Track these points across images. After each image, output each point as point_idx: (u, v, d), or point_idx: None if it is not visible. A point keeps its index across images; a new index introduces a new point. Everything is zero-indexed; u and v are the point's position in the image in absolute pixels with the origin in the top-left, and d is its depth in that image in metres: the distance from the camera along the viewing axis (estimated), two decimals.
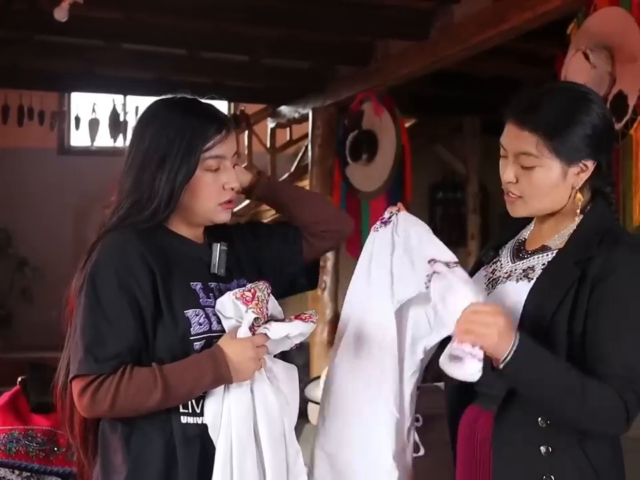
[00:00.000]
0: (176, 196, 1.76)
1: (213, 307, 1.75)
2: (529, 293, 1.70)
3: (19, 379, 2.30)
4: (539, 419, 1.66)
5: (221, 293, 1.78)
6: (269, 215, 7.36)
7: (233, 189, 1.81)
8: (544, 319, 1.66)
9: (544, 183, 1.71)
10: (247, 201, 7.57)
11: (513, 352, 1.57)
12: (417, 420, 2.05)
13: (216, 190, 1.80)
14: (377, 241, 1.93)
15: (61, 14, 3.65)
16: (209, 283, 1.79)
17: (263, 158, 7.71)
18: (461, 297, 1.67)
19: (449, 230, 8.14)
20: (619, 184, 3.40)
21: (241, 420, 1.69)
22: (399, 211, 1.93)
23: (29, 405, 2.22)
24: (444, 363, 1.62)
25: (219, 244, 1.83)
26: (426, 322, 1.88)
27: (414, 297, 1.86)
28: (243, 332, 1.69)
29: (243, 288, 1.73)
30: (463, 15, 4.46)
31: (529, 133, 1.69)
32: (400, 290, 1.86)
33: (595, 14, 3.50)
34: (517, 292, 1.73)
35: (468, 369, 1.59)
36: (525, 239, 1.86)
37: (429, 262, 1.79)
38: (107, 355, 1.67)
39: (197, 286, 1.77)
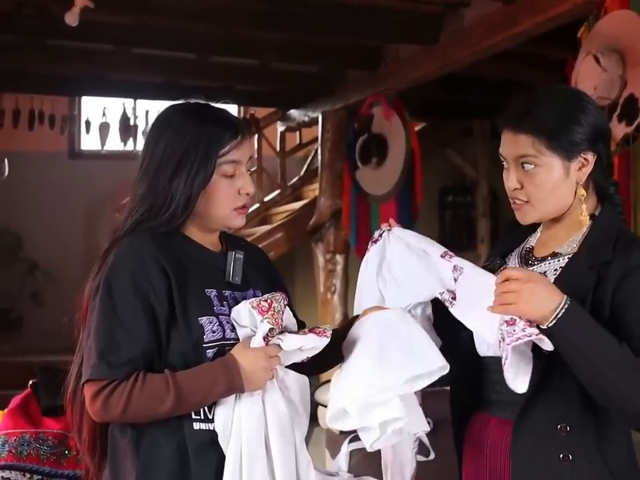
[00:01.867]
0: (193, 201, 1.76)
1: (227, 314, 1.75)
2: None
3: (30, 382, 2.30)
4: (559, 425, 1.65)
5: (236, 301, 1.78)
6: (277, 218, 7.37)
7: (248, 194, 1.81)
8: None
9: (548, 182, 1.71)
10: (257, 205, 7.59)
11: (564, 309, 1.56)
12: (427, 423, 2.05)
13: (232, 195, 1.80)
14: (368, 257, 1.93)
15: (71, 18, 3.67)
16: (224, 291, 1.79)
17: (273, 161, 7.72)
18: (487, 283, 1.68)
19: (458, 233, 8.14)
20: (630, 187, 3.40)
21: (251, 430, 1.68)
22: (390, 227, 1.91)
23: (40, 408, 2.22)
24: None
25: (234, 252, 1.83)
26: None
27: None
28: (257, 342, 1.68)
29: (260, 297, 1.73)
30: (473, 18, 4.46)
31: (525, 136, 1.70)
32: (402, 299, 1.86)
33: (606, 17, 3.49)
34: None
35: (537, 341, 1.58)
36: (533, 246, 1.85)
37: (443, 256, 1.79)
38: (120, 360, 1.66)
39: (212, 293, 1.76)
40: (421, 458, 2.16)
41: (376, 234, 1.93)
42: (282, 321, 1.71)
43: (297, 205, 7.35)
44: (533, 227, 1.87)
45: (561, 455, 1.64)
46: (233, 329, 1.74)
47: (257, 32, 5.13)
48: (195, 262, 1.79)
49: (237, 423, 1.69)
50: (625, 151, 3.36)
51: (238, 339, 1.73)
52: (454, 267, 1.77)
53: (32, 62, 5.55)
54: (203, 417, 1.71)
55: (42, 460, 2.13)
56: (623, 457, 1.69)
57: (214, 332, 1.71)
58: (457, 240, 8.13)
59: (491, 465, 1.73)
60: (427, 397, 2.11)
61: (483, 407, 1.80)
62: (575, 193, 1.74)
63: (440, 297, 1.78)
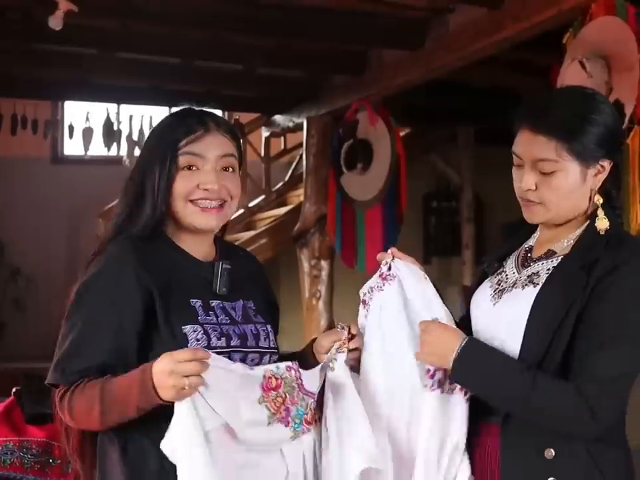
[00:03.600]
0: (160, 199, 1.75)
1: (214, 323, 1.74)
2: (535, 298, 1.69)
3: (14, 389, 2.27)
4: (544, 450, 1.65)
5: (224, 311, 1.77)
6: (262, 224, 7.35)
7: (207, 189, 1.77)
8: (550, 324, 1.65)
9: (565, 187, 1.71)
10: (241, 210, 7.56)
11: (456, 354, 1.66)
12: None
13: (189, 188, 1.77)
14: (384, 300, 1.78)
15: (55, 22, 3.64)
16: (210, 301, 1.77)
17: (257, 167, 7.70)
18: None
19: (443, 239, 8.14)
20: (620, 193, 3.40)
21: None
22: (393, 258, 1.81)
23: (24, 416, 2.19)
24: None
25: (221, 262, 1.81)
26: None
27: None
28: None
29: (271, 370, 1.65)
30: (458, 24, 4.46)
31: (546, 138, 1.69)
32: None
33: (591, 23, 3.50)
34: (523, 298, 1.72)
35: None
36: (532, 246, 1.85)
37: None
38: (74, 368, 1.67)
39: (197, 303, 1.75)
40: None
41: (384, 268, 1.80)
42: (287, 403, 1.65)
43: (282, 210, 7.33)
44: (532, 230, 1.87)
45: (545, 452, 1.65)
46: (219, 338, 1.72)
47: (242, 37, 5.11)
48: (180, 271, 1.78)
49: None
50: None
51: (224, 347, 1.72)
52: None
53: (15, 66, 5.51)
54: None
55: (25, 469, 2.11)
56: (614, 454, 1.69)
57: (198, 340, 1.70)
58: (441, 245, 8.14)
59: (492, 468, 1.73)
60: None
61: (486, 414, 1.77)
62: (590, 200, 1.73)
63: None
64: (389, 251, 1.83)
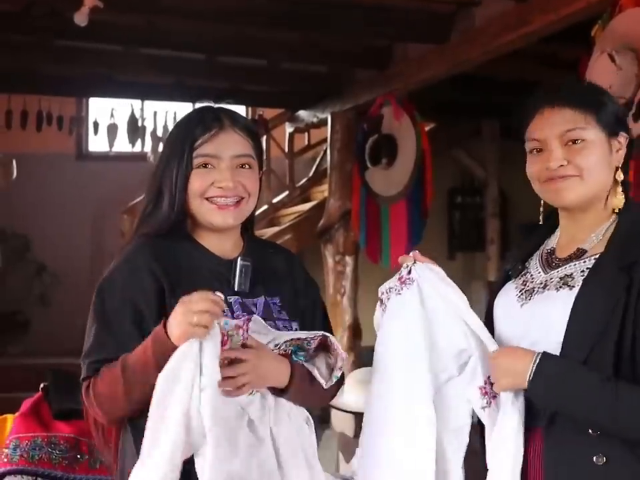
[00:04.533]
0: (178, 198, 1.76)
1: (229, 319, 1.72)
2: (575, 301, 1.65)
3: (41, 385, 2.28)
4: (595, 457, 1.61)
5: (242, 307, 1.76)
6: (286, 220, 7.34)
7: (222, 187, 1.76)
8: (594, 328, 1.62)
9: (595, 155, 1.71)
10: (265, 206, 7.56)
11: (532, 375, 1.61)
12: None
13: (204, 186, 1.77)
14: (403, 305, 1.74)
15: (80, 18, 3.65)
16: (228, 297, 1.76)
17: (282, 163, 7.70)
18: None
19: (467, 234, 8.10)
20: None
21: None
22: (414, 262, 1.76)
23: (52, 412, 2.20)
24: None
25: (239, 259, 1.80)
26: None
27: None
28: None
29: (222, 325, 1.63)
30: (485, 17, 4.42)
31: (572, 109, 1.71)
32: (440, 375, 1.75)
33: (621, 15, 3.46)
34: (559, 300, 1.68)
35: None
36: (554, 247, 1.82)
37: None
38: (101, 362, 1.69)
39: None
40: None
41: (404, 272, 1.75)
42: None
43: (306, 206, 7.32)
44: (551, 229, 1.84)
45: (594, 458, 1.61)
46: None
47: (266, 32, 5.10)
48: (197, 268, 1.78)
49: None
50: None
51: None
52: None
53: (40, 63, 5.54)
54: None
55: (54, 464, 2.11)
56: None
57: None
58: (466, 240, 8.10)
59: (522, 472, 1.70)
60: None
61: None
62: (615, 176, 1.74)
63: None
64: (411, 253, 1.78)
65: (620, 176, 1.73)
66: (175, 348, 1.57)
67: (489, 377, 1.70)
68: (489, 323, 1.80)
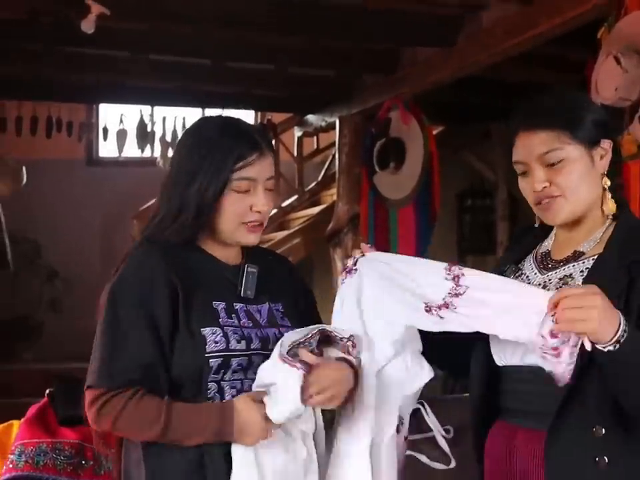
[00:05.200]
0: (204, 213, 1.76)
1: (235, 326, 1.74)
2: None
3: (47, 391, 2.29)
4: (593, 428, 1.60)
5: (248, 315, 1.77)
6: (295, 224, 7.35)
7: (260, 212, 1.79)
8: None
9: (576, 172, 1.70)
10: (275, 210, 7.57)
11: (625, 332, 1.49)
12: (447, 431, 2.02)
13: (242, 211, 1.78)
14: (344, 292, 1.85)
15: (87, 26, 3.67)
16: (234, 304, 1.78)
17: (291, 167, 7.71)
18: (513, 288, 1.65)
19: (477, 237, 8.08)
20: None
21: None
22: (362, 254, 1.84)
23: (57, 418, 2.21)
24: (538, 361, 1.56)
25: (247, 265, 1.82)
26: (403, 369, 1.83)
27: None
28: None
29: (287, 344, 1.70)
30: (491, 20, 4.42)
31: (546, 131, 1.69)
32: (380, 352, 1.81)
33: (626, 17, 3.45)
34: None
35: (566, 358, 1.52)
36: (549, 249, 1.82)
37: (445, 269, 1.73)
38: (117, 370, 1.68)
39: (220, 305, 1.75)
40: (441, 466, 2.13)
41: (350, 262, 1.86)
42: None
43: (315, 210, 7.33)
44: (546, 232, 1.84)
45: (597, 458, 1.60)
46: (239, 341, 1.73)
47: (273, 37, 5.11)
48: (206, 274, 1.79)
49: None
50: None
51: (243, 351, 1.72)
52: (455, 280, 1.71)
53: (49, 70, 5.56)
54: None
55: (59, 470, 2.12)
56: None
57: (216, 342, 1.71)
58: (476, 244, 8.08)
59: (521, 475, 1.69)
60: (448, 404, 2.07)
61: (506, 416, 1.76)
62: (603, 183, 1.73)
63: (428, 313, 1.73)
64: (362, 246, 1.86)
65: (607, 182, 1.73)
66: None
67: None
68: None
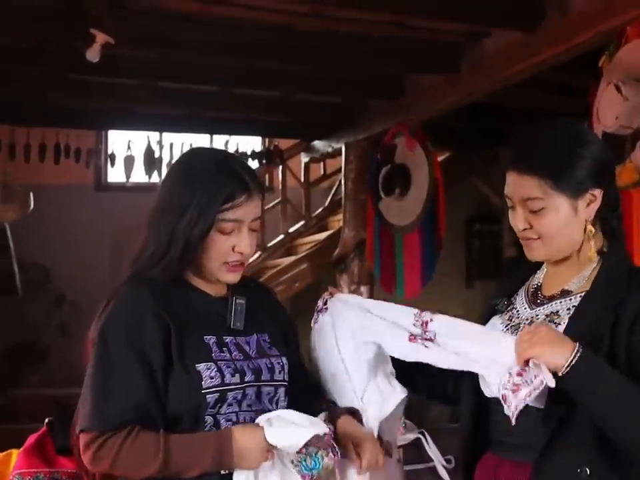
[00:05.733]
0: (190, 251, 1.76)
1: (227, 360, 1.74)
2: None
3: (46, 420, 2.28)
4: (579, 469, 1.61)
5: (237, 347, 1.77)
6: (302, 249, 7.36)
7: (242, 253, 1.79)
8: None
9: (556, 222, 1.70)
10: (281, 236, 7.58)
11: (577, 354, 1.54)
12: (448, 461, 2.02)
13: (225, 251, 1.78)
14: (319, 333, 1.96)
15: (92, 55, 3.70)
16: (224, 337, 1.78)
17: (297, 192, 7.73)
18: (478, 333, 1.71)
19: (485, 262, 8.07)
20: None
21: None
22: (331, 295, 1.96)
23: (55, 447, 2.20)
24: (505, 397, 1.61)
25: (235, 298, 1.82)
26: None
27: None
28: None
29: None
30: (494, 48, 4.44)
31: (530, 177, 1.69)
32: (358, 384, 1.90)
33: (627, 46, 3.47)
34: None
35: (521, 398, 1.58)
36: (540, 283, 1.82)
37: (415, 315, 1.82)
38: (111, 412, 1.66)
39: (211, 340, 1.75)
40: None
41: (320, 303, 1.97)
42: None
43: (322, 235, 7.34)
44: (538, 264, 1.85)
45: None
46: (233, 375, 1.72)
47: (279, 64, 5.14)
48: (194, 309, 1.78)
49: None
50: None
51: (238, 384, 1.72)
52: (423, 326, 1.80)
53: (57, 96, 5.61)
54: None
55: None
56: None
57: (212, 378, 1.70)
58: (484, 269, 8.07)
59: None
60: (446, 433, 2.07)
61: (493, 448, 1.76)
62: (585, 230, 1.71)
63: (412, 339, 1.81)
64: (330, 289, 1.99)
65: (591, 230, 1.71)
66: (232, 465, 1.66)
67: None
68: None
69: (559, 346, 1.56)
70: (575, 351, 1.55)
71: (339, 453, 1.69)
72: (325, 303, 1.95)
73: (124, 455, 1.65)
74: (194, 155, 1.87)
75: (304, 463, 1.66)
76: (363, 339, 1.88)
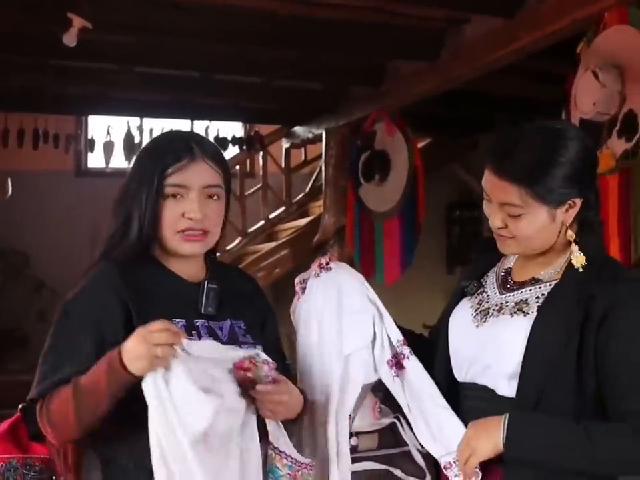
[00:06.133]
0: (146, 224, 1.76)
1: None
2: (532, 331, 1.66)
3: (20, 406, 2.27)
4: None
5: (208, 330, 1.76)
6: (283, 235, 7.36)
7: (192, 219, 1.77)
8: (551, 358, 1.63)
9: (532, 228, 1.69)
10: (262, 222, 7.58)
11: (505, 436, 1.61)
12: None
13: (174, 217, 1.77)
14: (319, 286, 1.92)
15: (69, 39, 3.68)
16: (195, 321, 1.77)
17: (278, 178, 7.72)
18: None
19: (465, 249, 8.09)
20: (631, 204, 3.37)
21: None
22: (329, 262, 1.95)
23: (28, 433, 2.20)
24: None
25: (206, 282, 1.81)
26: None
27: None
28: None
29: (243, 357, 1.68)
30: (474, 34, 4.45)
31: (510, 184, 1.66)
32: (351, 341, 1.89)
33: (605, 32, 3.48)
34: (514, 327, 1.69)
35: None
36: (510, 267, 1.83)
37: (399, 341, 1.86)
38: (56, 382, 1.68)
39: (179, 323, 1.74)
40: None
41: (323, 261, 1.94)
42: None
43: (303, 221, 7.34)
44: None
45: None
46: None
47: (260, 50, 5.13)
48: (164, 291, 1.78)
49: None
50: (625, 167, 3.34)
51: None
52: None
53: (36, 81, 5.56)
54: None
55: None
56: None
57: None
58: (464, 255, 8.09)
59: None
60: None
61: None
62: (559, 234, 1.72)
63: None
64: (328, 256, 1.96)
65: (571, 236, 1.71)
66: (130, 379, 1.57)
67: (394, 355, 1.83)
68: (444, 335, 1.82)
69: (486, 439, 1.63)
70: (503, 423, 1.62)
71: (273, 363, 1.68)
72: (328, 263, 1.92)
73: (51, 410, 1.67)
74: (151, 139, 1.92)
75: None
76: (367, 301, 1.88)
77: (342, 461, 1.84)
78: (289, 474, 1.68)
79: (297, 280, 1.96)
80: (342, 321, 1.87)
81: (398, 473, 2.36)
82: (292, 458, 1.67)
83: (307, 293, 1.93)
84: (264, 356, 1.69)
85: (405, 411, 1.83)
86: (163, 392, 1.55)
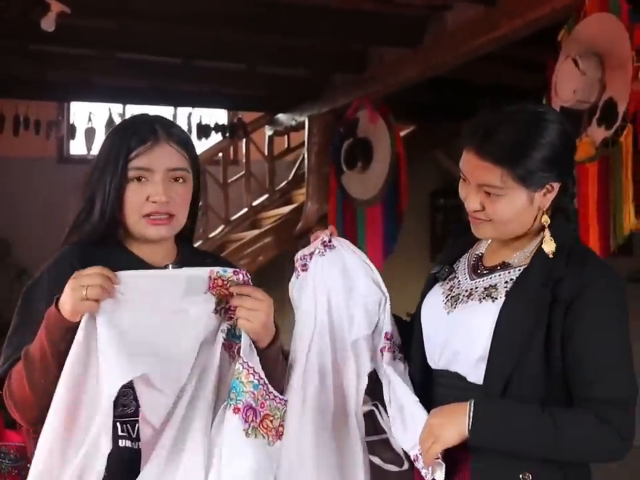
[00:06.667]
0: (109, 207, 1.76)
1: None
2: (499, 316, 1.66)
3: None
4: (520, 475, 1.64)
5: None
6: (266, 223, 7.34)
7: (156, 202, 1.76)
8: (518, 343, 1.63)
9: (510, 210, 1.69)
10: (245, 209, 7.56)
11: (471, 423, 1.61)
12: None
13: (139, 201, 1.77)
14: (324, 264, 1.87)
15: (47, 24, 3.64)
16: None
17: (261, 166, 7.69)
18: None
19: (449, 236, 8.09)
20: (610, 191, 3.38)
21: None
22: (331, 234, 1.91)
23: (3, 421, 2.19)
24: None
25: (170, 265, 1.81)
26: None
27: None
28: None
29: (217, 272, 1.63)
30: (456, 21, 4.44)
31: (492, 165, 1.65)
32: (360, 323, 1.86)
33: (585, 20, 3.48)
34: (482, 312, 1.69)
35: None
36: (482, 253, 1.82)
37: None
38: (12, 362, 1.67)
39: None
40: (394, 468, 2.14)
41: (326, 238, 1.88)
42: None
43: (286, 209, 7.31)
44: None
45: (520, 476, 1.63)
46: None
47: (244, 36, 5.10)
48: None
49: None
50: (604, 155, 3.34)
51: None
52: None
53: (16, 67, 5.51)
54: (127, 435, 1.68)
55: (3, 474, 2.11)
56: (581, 466, 1.69)
57: None
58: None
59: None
60: None
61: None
62: (535, 218, 1.71)
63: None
64: (330, 227, 1.92)
65: (546, 221, 1.71)
66: (69, 327, 1.56)
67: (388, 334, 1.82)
68: (418, 322, 1.82)
69: (453, 421, 1.63)
70: (468, 409, 1.62)
71: (247, 274, 1.64)
72: (330, 240, 1.88)
73: (11, 390, 1.66)
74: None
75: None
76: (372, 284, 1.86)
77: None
78: (252, 392, 1.56)
79: (297, 256, 1.91)
80: (349, 304, 1.85)
81: (376, 460, 2.34)
82: (260, 377, 1.58)
83: (313, 272, 1.87)
84: (229, 270, 1.65)
85: (386, 400, 1.81)
86: (91, 341, 1.54)
